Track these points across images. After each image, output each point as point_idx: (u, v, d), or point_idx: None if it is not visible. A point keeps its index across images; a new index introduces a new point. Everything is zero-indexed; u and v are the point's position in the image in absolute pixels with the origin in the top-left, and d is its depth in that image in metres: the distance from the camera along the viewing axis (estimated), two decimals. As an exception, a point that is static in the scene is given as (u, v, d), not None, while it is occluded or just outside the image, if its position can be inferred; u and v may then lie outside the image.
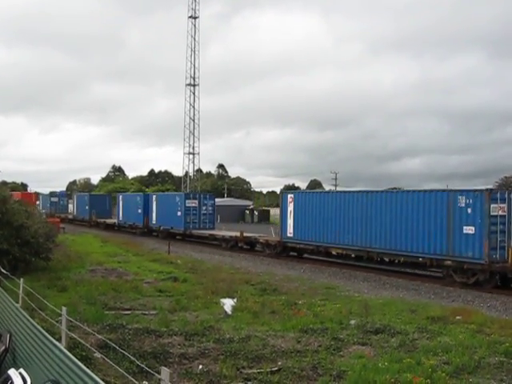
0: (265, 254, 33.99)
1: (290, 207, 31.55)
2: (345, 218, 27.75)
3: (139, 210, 49.65)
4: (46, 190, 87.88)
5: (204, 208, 43.22)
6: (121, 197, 56.39)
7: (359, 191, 28.81)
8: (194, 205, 42.75)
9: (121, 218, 54.72)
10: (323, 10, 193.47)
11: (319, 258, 31.03)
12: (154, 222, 47.67)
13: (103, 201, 64.70)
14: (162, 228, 46.15)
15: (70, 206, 78.30)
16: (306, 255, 32.39)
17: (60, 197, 78.36)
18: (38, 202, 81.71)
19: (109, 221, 59.99)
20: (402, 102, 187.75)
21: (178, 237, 45.07)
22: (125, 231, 53.45)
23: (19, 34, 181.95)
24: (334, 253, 29.46)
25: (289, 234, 31.79)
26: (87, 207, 62.50)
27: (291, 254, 33.04)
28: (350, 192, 29.69)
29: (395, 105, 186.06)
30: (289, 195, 32.45)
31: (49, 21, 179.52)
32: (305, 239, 30.73)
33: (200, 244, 41.86)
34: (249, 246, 37.29)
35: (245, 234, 37.02)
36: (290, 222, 31.48)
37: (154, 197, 49.10)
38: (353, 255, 28.29)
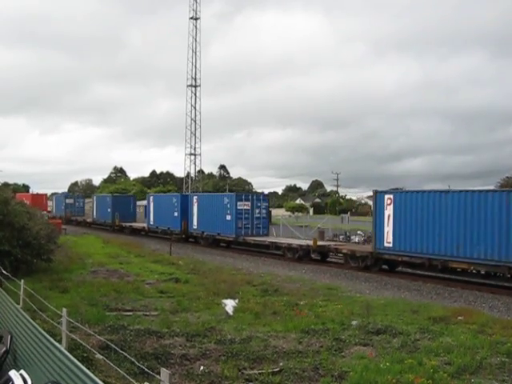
0: (347, 267, 28.26)
1: (389, 210, 25.93)
2: (471, 223, 21.92)
3: (175, 213, 44.03)
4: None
5: (257, 211, 37.54)
6: (151, 198, 50.57)
7: (496, 190, 25.66)
8: (246, 207, 37.02)
9: (151, 222, 48.87)
10: (325, 9, 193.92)
11: (428, 273, 25.35)
12: (194, 227, 41.86)
13: (127, 203, 58.94)
14: (205, 234, 40.43)
15: (86, 208, 74.91)
16: (407, 269, 27.08)
17: (76, 198, 73.66)
18: (50, 204, 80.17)
19: (135, 225, 54.69)
20: (403, 103, 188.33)
21: (222, 244, 40.27)
22: (156, 237, 48.18)
23: (20, 36, 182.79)
24: (456, 268, 23.44)
25: (386, 244, 26.00)
26: (109, 210, 57.46)
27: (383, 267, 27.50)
28: (481, 191, 23.36)
29: (397, 105, 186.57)
30: (386, 196, 26.46)
31: (49, 22, 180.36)
32: (410, 250, 24.77)
33: (244, 251, 41.50)
34: (319, 257, 31.80)
35: (319, 243, 31.85)
36: (389, 228, 25.83)
37: (195, 198, 42.63)
38: (483, 271, 22.79)
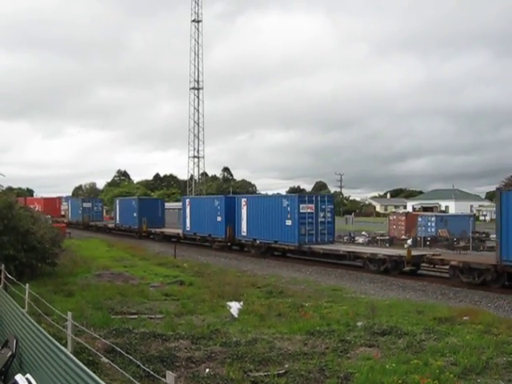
0: (452, 282, 23.31)
1: None
2: None
3: (218, 218, 38.82)
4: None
5: (322, 214, 32.20)
6: (188, 201, 44.87)
7: None
8: (309, 210, 31.87)
9: (188, 228, 43.38)
10: (328, 10, 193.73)
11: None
12: (243, 234, 36.46)
13: (155, 206, 53.41)
14: (258, 242, 34.87)
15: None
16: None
17: (94, 202, 68.37)
18: (64, 207, 77.31)
19: (168, 231, 48.97)
20: (407, 103, 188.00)
21: (276, 252, 34.88)
22: (193, 244, 43.09)
23: (22, 40, 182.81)
24: None
25: None
26: (135, 214, 52.08)
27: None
28: None
29: (400, 105, 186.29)
30: None
31: (52, 26, 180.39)
32: None
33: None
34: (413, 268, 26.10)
35: (414, 252, 26.89)
36: None
37: (244, 200, 37.00)
38: None
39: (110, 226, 60.38)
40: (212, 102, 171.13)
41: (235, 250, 38.26)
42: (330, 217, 32.83)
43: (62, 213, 76.33)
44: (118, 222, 57.42)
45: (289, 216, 32.32)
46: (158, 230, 49.19)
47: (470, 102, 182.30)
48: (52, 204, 76.03)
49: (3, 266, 14.90)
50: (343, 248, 30.75)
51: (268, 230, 33.90)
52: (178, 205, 58.38)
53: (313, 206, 32.13)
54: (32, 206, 70.46)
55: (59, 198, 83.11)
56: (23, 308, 10.72)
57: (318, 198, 32.96)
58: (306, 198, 32.71)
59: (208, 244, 41.03)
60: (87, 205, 66.12)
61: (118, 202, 59.22)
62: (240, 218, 36.53)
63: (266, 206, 34.53)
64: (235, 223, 36.95)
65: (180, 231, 45.56)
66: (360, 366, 10.63)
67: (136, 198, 57.11)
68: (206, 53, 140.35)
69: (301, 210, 31.69)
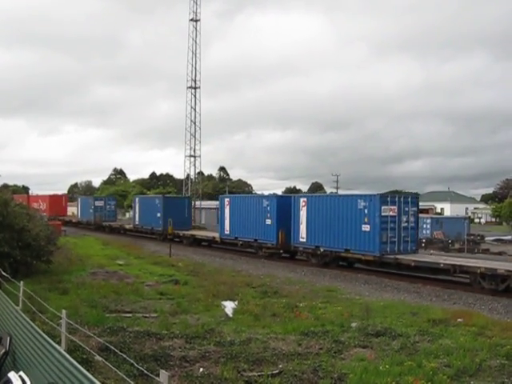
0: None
1: None
2: None
3: (268, 221, 33.57)
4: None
5: (404, 218, 27.37)
6: (227, 200, 38.77)
7: None
8: (392, 213, 26.87)
9: (227, 232, 37.85)
10: (326, 10, 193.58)
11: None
12: (302, 240, 30.95)
13: (181, 206, 47.54)
14: (321, 250, 29.70)
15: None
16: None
17: (106, 201, 62.83)
18: (75, 206, 73.66)
19: (201, 234, 43.90)
20: (405, 104, 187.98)
21: (340, 263, 29.71)
22: (231, 250, 37.89)
23: (19, 37, 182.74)
24: None
25: None
26: (159, 214, 46.70)
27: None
28: None
29: (398, 107, 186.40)
30: None
31: (49, 23, 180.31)
32: None
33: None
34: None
35: None
36: None
37: (303, 200, 31.27)
38: None
39: (127, 226, 55.31)
40: (209, 100, 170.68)
41: (285, 258, 33.54)
42: (414, 221, 28.02)
43: (70, 213, 73.60)
44: (137, 223, 51.69)
45: (366, 220, 27.12)
46: (188, 233, 44.26)
47: (468, 105, 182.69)
48: (58, 202, 71.83)
49: (-2, 263, 14.87)
50: (444, 260, 24.98)
51: (336, 237, 28.61)
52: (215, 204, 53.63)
53: (395, 207, 27.21)
54: (36, 205, 68.10)
55: (66, 196, 79.59)
56: (17, 305, 10.69)
57: (401, 199, 27.70)
58: (389, 199, 27.21)
59: (252, 250, 35.95)
60: (99, 203, 61.26)
61: (137, 200, 53.17)
62: (297, 221, 31.19)
63: (335, 208, 29.04)
64: (291, 227, 31.50)
65: (216, 235, 40.20)
66: (354, 367, 10.65)
67: (160, 197, 50.95)
68: (204, 51, 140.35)
69: (383, 213, 26.60)
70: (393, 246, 26.75)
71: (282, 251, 33.63)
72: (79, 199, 68.88)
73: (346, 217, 28.09)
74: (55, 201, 71.67)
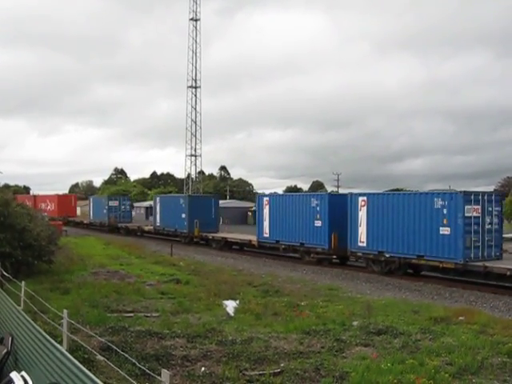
0: None
1: None
2: None
3: (318, 223, 29.95)
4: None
5: (488, 220, 23.80)
6: (266, 200, 34.62)
7: None
8: (475, 214, 23.35)
9: (267, 235, 34.03)
10: (327, 7, 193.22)
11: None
12: (361, 245, 27.39)
13: (208, 206, 43.55)
14: (386, 256, 26.13)
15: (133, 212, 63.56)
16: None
17: (121, 200, 58.81)
18: (88, 206, 70.52)
19: (233, 237, 39.68)
20: (406, 102, 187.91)
21: (408, 270, 26.41)
22: (274, 256, 34.19)
23: (19, 36, 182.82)
24: None
25: None
26: (184, 215, 43.10)
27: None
28: None
29: (399, 105, 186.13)
30: None
31: (48, 22, 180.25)
32: None
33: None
34: None
35: None
36: None
37: (363, 200, 27.52)
38: None
39: (146, 228, 51.64)
40: (210, 100, 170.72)
41: (336, 263, 30.26)
42: (498, 223, 24.47)
43: (78, 213, 71.20)
44: (158, 224, 47.92)
45: (445, 222, 23.51)
46: (218, 235, 40.69)
47: (469, 102, 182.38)
48: (67, 202, 69.22)
49: (-1, 263, 14.90)
50: None
51: (406, 241, 25.04)
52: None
53: (479, 207, 23.60)
54: (44, 205, 66.95)
55: (75, 196, 76.62)
56: (19, 305, 10.72)
57: (485, 197, 23.98)
58: (473, 197, 23.45)
59: (296, 255, 32.55)
60: (114, 203, 57.45)
61: (158, 200, 49.21)
62: (355, 222, 27.64)
63: (404, 207, 25.33)
64: (348, 229, 27.98)
65: (252, 238, 36.28)
66: (355, 366, 10.64)
67: (186, 196, 47.48)
68: (205, 50, 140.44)
69: (466, 214, 23.00)
70: (477, 252, 23.09)
71: (334, 256, 30.32)
72: (91, 199, 65.58)
73: (418, 218, 24.45)
74: (64, 201, 69.31)
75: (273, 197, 35.70)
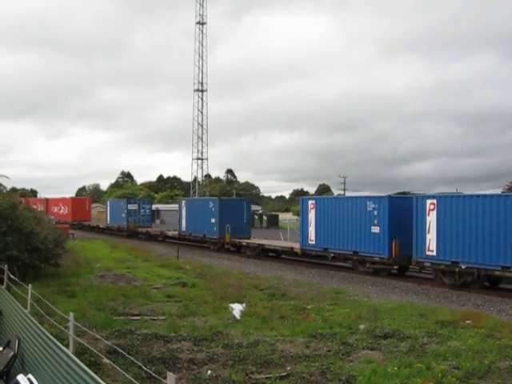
0: None
1: None
2: None
3: (375, 229, 26.61)
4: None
5: None
6: (311, 203, 30.92)
7: None
8: None
9: (312, 242, 30.45)
10: (333, 10, 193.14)
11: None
12: (431, 254, 23.91)
13: (239, 209, 40.23)
14: (464, 267, 22.48)
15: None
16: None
17: (141, 204, 55.50)
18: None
19: (270, 243, 35.97)
20: (413, 105, 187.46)
21: (488, 284, 23.11)
22: (320, 265, 30.80)
23: (25, 40, 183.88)
24: None
25: None
26: (214, 220, 39.74)
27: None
28: None
29: (406, 108, 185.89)
30: None
31: (55, 27, 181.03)
32: None
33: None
34: None
35: None
36: None
37: (431, 202, 24.28)
38: None
39: (169, 233, 48.07)
40: (216, 103, 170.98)
41: (394, 274, 27.15)
42: None
43: (93, 216, 68.85)
44: (183, 230, 44.41)
45: None
46: (254, 242, 36.87)
47: (476, 105, 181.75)
48: (81, 205, 66.03)
49: (6, 266, 14.96)
50: None
51: (488, 250, 21.55)
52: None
53: None
54: (57, 209, 65.63)
55: (89, 199, 73.35)
56: (26, 308, 10.76)
57: None
58: None
59: (346, 264, 29.78)
60: (133, 207, 54.00)
61: (184, 203, 45.46)
62: (422, 229, 24.37)
63: (488, 211, 21.68)
64: (414, 237, 24.72)
65: (292, 244, 33.53)
66: (362, 369, 10.61)
67: (216, 199, 42.89)
68: (211, 53, 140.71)
69: None
70: None
71: (397, 268, 27.15)
72: (108, 202, 61.85)
73: (509, 223, 20.89)
74: (78, 204, 66.35)
75: (320, 199, 32.43)
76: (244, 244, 37.14)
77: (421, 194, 27.57)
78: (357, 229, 27.53)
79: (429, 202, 24.40)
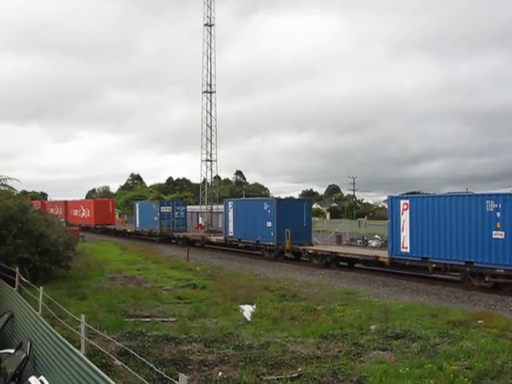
0: None
1: None
2: None
3: (497, 234, 21.04)
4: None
5: None
6: (405, 203, 25.39)
7: None
8: None
9: (405, 250, 25.15)
10: (342, 10, 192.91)
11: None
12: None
13: (299, 212, 35.16)
14: None
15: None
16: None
17: (175, 206, 51.08)
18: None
19: (345, 251, 31.35)
20: (422, 105, 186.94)
21: None
22: (419, 277, 25.63)
23: (33, 44, 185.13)
24: None
25: None
26: (270, 224, 34.80)
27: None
28: None
29: (415, 107, 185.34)
30: None
31: (63, 29, 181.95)
32: None
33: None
34: None
35: None
36: None
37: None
38: None
39: (213, 239, 43.19)
40: (224, 104, 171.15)
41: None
42: None
43: (118, 218, 65.42)
44: (230, 235, 39.58)
45: None
46: (325, 249, 31.83)
47: (486, 104, 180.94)
48: (105, 208, 61.96)
49: (18, 268, 15.02)
50: None
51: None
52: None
53: None
54: (77, 211, 63.30)
55: (113, 201, 69.92)
56: (37, 311, 10.78)
57: None
58: None
59: (450, 276, 24.90)
60: (166, 209, 49.89)
61: (232, 205, 40.16)
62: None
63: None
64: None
65: (380, 253, 28.25)
66: (373, 370, 10.57)
67: (272, 199, 38.61)
68: (219, 54, 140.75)
69: None
70: None
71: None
72: (137, 205, 56.61)
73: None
74: (101, 207, 62.07)
75: (417, 198, 26.07)
76: (310, 252, 32.16)
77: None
78: (470, 234, 22.33)
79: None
